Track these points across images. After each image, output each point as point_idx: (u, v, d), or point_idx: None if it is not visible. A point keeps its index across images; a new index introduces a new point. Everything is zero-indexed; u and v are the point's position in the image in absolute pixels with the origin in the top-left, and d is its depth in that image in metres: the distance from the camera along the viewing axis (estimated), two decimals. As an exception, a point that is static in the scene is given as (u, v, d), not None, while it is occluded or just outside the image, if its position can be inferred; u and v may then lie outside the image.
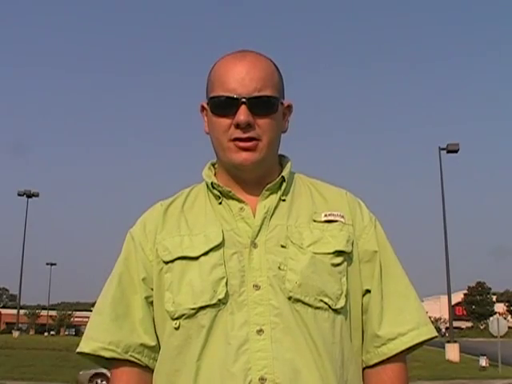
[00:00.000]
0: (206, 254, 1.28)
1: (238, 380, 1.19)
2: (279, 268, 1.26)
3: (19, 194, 44.11)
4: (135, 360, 1.32)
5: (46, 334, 64.00)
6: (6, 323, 72.97)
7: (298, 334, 1.23)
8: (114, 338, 1.31)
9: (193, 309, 1.25)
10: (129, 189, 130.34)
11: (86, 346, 1.33)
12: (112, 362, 1.34)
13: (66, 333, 74.03)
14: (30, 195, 43.82)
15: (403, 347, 1.33)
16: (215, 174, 1.41)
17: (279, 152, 1.43)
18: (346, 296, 1.29)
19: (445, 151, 26.62)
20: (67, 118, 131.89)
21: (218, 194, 1.36)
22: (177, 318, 1.27)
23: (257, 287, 1.25)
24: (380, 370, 1.34)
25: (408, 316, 1.35)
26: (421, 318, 1.36)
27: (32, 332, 67.53)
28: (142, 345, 1.32)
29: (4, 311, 79.63)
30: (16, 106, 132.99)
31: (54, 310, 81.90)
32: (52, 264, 74.76)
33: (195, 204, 1.39)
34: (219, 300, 1.24)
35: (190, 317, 1.25)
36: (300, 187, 1.41)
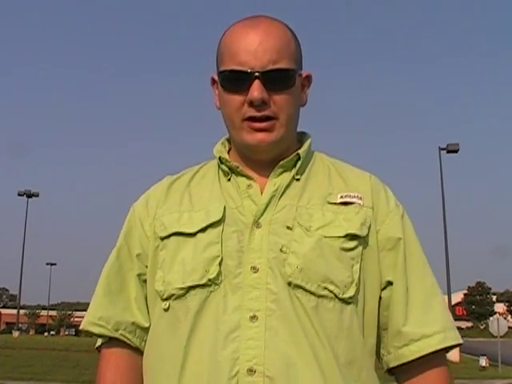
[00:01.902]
0: (203, 230, 1.17)
1: (222, 370, 1.07)
2: (281, 250, 1.13)
3: (19, 194, 44.11)
4: (126, 340, 1.22)
5: (45, 334, 63.94)
6: (6, 323, 73.02)
7: (297, 324, 1.09)
8: (105, 314, 1.23)
9: (181, 288, 1.14)
10: (129, 189, 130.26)
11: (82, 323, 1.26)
12: (104, 341, 1.26)
13: (66, 333, 73.96)
14: (30, 195, 43.80)
15: (428, 350, 1.16)
16: (229, 151, 1.29)
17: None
18: (357, 285, 1.14)
19: (445, 151, 26.54)
20: (67, 117, 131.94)
21: (227, 169, 1.25)
22: (166, 299, 1.16)
23: (255, 269, 1.12)
24: (411, 375, 1.18)
25: (434, 317, 1.19)
26: (447, 321, 1.20)
27: (32, 332, 67.50)
28: (134, 324, 1.23)
29: (4, 311, 79.65)
30: (16, 105, 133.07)
31: (54, 310, 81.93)
32: (52, 264, 74.79)
33: (203, 180, 1.28)
34: (210, 280, 1.12)
35: (179, 297, 1.15)
36: (318, 166, 1.28)
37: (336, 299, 1.12)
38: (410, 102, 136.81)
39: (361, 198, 1.21)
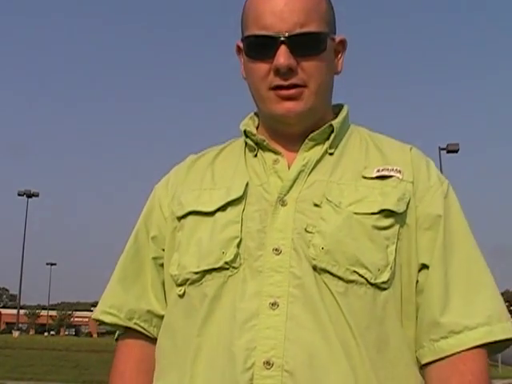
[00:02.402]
0: (223, 209, 1.06)
1: (236, 362, 0.95)
2: (306, 230, 1.01)
3: (19, 194, 44.26)
4: (141, 329, 1.14)
5: (45, 334, 64.12)
6: (6, 323, 73.07)
7: (323, 312, 0.96)
8: (117, 301, 1.14)
9: (196, 273, 1.03)
10: (129, 189, 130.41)
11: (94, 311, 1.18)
12: (120, 333, 1.18)
13: (66, 333, 74.23)
14: (30, 195, 44.01)
15: (469, 345, 0.99)
16: (257, 127, 1.18)
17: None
18: (392, 269, 1.00)
19: (445, 151, 26.58)
20: (68, 117, 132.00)
21: (253, 144, 1.13)
22: (181, 284, 1.06)
23: (277, 251, 1.00)
24: (443, 371, 1.00)
25: (480, 305, 1.02)
26: (496, 311, 1.02)
27: (32, 332, 67.70)
28: (149, 312, 1.14)
29: (4, 311, 79.69)
30: (16, 105, 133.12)
31: (54, 310, 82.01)
32: (52, 264, 74.92)
33: (228, 157, 1.17)
34: (226, 263, 1.01)
35: (194, 282, 1.04)
36: (355, 140, 1.14)
37: (368, 284, 0.99)
38: (410, 101, 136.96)
39: (400, 172, 1.07)
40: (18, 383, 13.45)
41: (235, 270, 1.01)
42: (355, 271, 0.98)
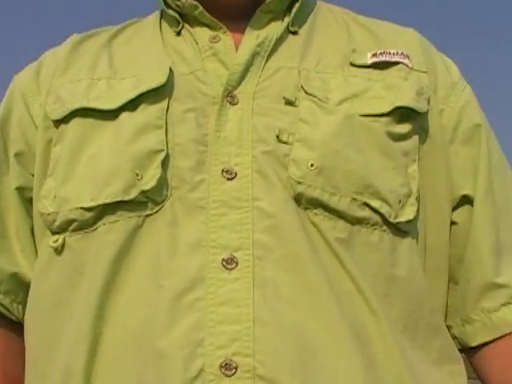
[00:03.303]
0: (132, 106, 0.63)
1: (168, 368, 0.52)
2: (278, 138, 0.60)
3: (19, 194, 44.52)
4: (1, 310, 0.68)
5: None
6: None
7: (315, 271, 0.56)
8: None
9: (89, 209, 0.59)
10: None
11: None
12: None
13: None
14: (30, 195, 44.25)
15: None
16: None
17: None
18: (417, 201, 0.62)
19: (445, 151, 26.81)
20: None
21: (176, 15, 0.70)
22: (58, 232, 0.62)
23: (230, 174, 0.59)
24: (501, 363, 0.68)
25: None
26: None
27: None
28: (15, 276, 0.68)
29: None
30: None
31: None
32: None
33: (134, 38, 0.74)
34: (144, 193, 0.59)
35: (84, 227, 0.60)
36: (326, 17, 0.74)
37: (384, 226, 0.60)
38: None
39: (408, 57, 0.68)
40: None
41: (157, 207, 0.59)
42: (366, 203, 0.59)
